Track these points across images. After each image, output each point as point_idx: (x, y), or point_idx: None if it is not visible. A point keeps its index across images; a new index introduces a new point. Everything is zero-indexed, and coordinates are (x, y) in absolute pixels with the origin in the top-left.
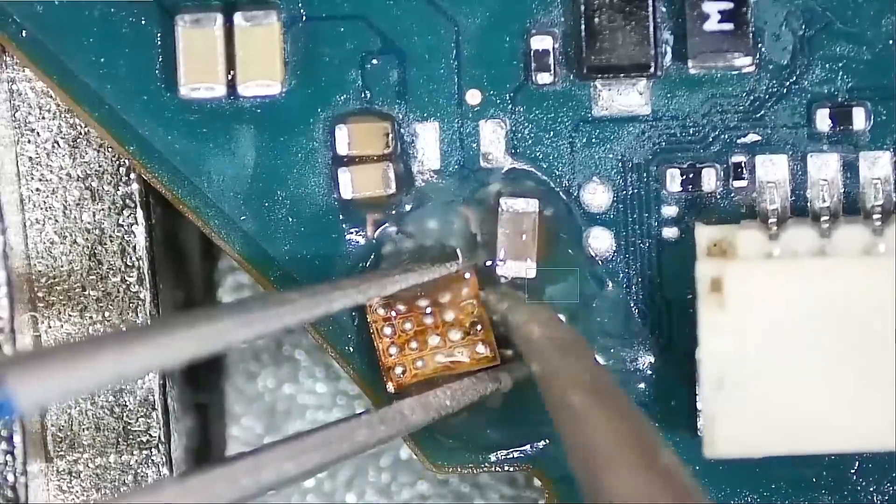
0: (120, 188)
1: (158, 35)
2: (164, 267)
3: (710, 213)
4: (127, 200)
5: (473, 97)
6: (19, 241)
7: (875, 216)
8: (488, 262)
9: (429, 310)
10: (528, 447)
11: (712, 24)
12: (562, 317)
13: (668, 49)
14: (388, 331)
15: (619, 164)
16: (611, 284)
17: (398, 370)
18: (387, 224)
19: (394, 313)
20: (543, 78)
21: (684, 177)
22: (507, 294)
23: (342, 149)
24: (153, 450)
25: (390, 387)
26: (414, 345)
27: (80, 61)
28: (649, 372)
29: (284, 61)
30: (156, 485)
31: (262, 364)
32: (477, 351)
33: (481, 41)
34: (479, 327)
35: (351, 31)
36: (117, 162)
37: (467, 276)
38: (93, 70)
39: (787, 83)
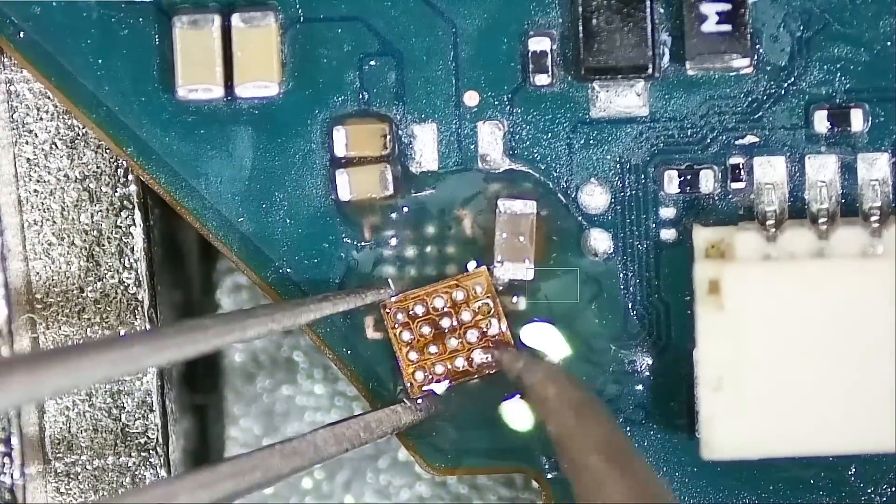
0: (118, 189)
1: (156, 36)
2: (162, 268)
3: (708, 214)
4: (125, 202)
5: (471, 98)
6: (17, 243)
7: (873, 218)
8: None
9: (445, 310)
10: (526, 449)
11: (710, 26)
12: (578, 382)
13: (666, 50)
14: (406, 336)
15: (617, 166)
16: (609, 286)
17: (418, 375)
18: (384, 226)
19: (411, 316)
20: (541, 79)
21: (682, 178)
22: (521, 354)
23: (340, 150)
24: (151, 451)
25: (413, 392)
26: (433, 348)
27: (78, 62)
28: (647, 373)
29: (282, 63)
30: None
31: (260, 366)
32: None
33: (479, 43)
34: (495, 325)
35: (348, 32)
36: (115, 163)
37: (479, 270)
38: (90, 71)
39: (785, 85)
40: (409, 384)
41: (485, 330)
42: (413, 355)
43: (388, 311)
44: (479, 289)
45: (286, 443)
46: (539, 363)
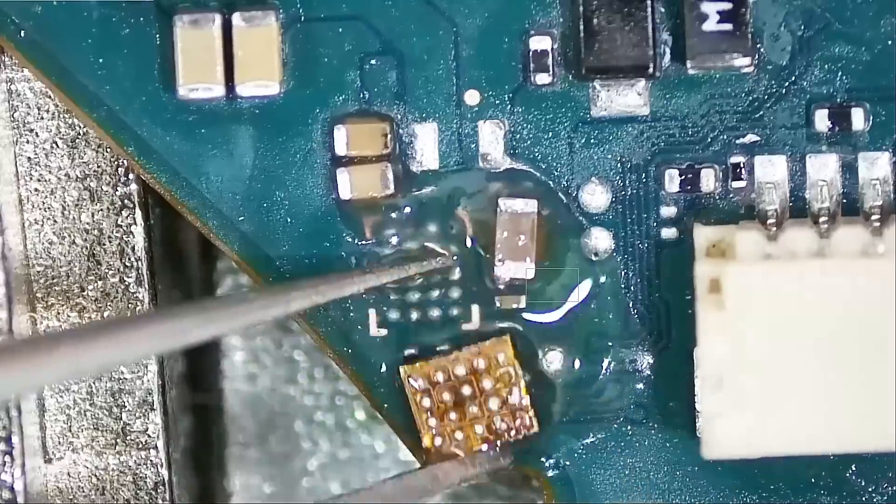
0: (119, 189)
1: (157, 36)
2: (163, 267)
3: (709, 213)
4: (126, 201)
5: (472, 98)
6: (18, 242)
7: (874, 217)
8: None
9: (466, 378)
10: (526, 447)
11: (711, 25)
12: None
13: (667, 50)
14: (426, 402)
15: (618, 165)
16: (610, 285)
17: (437, 441)
18: (385, 225)
19: (432, 383)
20: (542, 78)
21: (683, 177)
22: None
23: (341, 149)
24: (152, 450)
25: (430, 459)
26: (453, 415)
27: (79, 62)
28: (648, 372)
29: (283, 62)
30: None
31: (261, 364)
32: (514, 420)
33: (480, 42)
34: (516, 394)
35: (349, 31)
36: (116, 162)
37: (502, 339)
38: (91, 70)
39: (786, 84)
40: (427, 449)
41: (506, 398)
42: (432, 422)
43: (409, 377)
44: (501, 357)
45: (353, 494)
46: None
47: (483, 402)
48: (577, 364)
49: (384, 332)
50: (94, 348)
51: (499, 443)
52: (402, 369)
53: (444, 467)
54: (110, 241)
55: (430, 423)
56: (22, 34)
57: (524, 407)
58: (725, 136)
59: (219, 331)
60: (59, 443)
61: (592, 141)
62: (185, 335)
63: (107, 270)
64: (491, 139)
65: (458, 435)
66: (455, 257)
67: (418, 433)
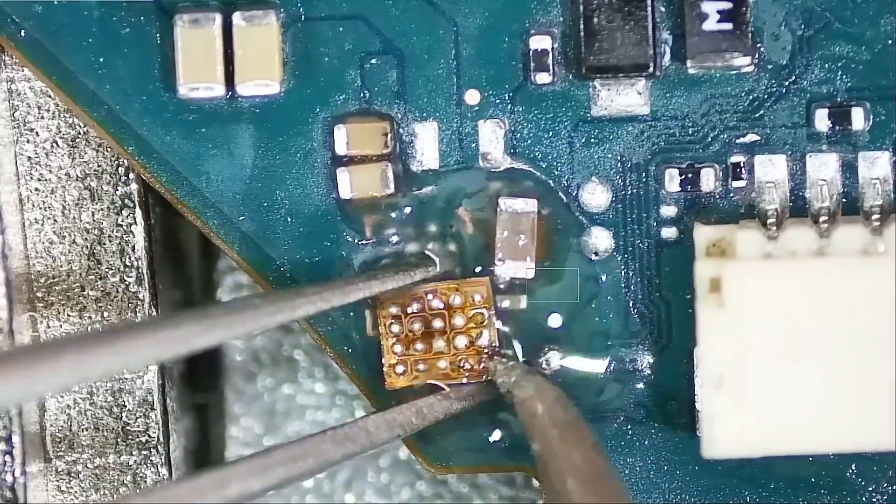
0: (119, 188)
1: (157, 35)
2: (163, 267)
3: (709, 213)
4: (126, 200)
5: (472, 97)
6: (18, 241)
7: (874, 216)
8: (478, 268)
9: (440, 311)
10: (527, 448)
11: (711, 24)
12: (565, 399)
13: (667, 49)
14: (395, 328)
15: (618, 164)
16: (610, 284)
17: (399, 368)
18: (385, 224)
19: (405, 311)
20: (542, 78)
21: (683, 177)
22: (514, 367)
23: (341, 149)
24: (152, 450)
25: (387, 384)
26: (419, 346)
27: (79, 61)
28: (648, 372)
29: (283, 61)
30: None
31: (261, 364)
32: (475, 365)
33: (480, 41)
34: (485, 336)
35: (350, 31)
36: (116, 162)
37: (481, 279)
38: (91, 70)
39: (787, 83)
40: (387, 376)
41: (474, 339)
42: (398, 348)
43: (382, 302)
44: (477, 297)
45: (338, 429)
46: (531, 378)
47: (451, 337)
48: (577, 364)
49: (376, 333)
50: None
51: (462, 381)
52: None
53: (428, 401)
54: (110, 241)
55: (394, 349)
56: (22, 33)
57: (492, 350)
58: (726, 136)
59: (221, 338)
60: (60, 442)
61: (593, 140)
62: (187, 343)
63: (107, 270)
64: (491, 138)
65: (420, 366)
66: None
67: (381, 364)
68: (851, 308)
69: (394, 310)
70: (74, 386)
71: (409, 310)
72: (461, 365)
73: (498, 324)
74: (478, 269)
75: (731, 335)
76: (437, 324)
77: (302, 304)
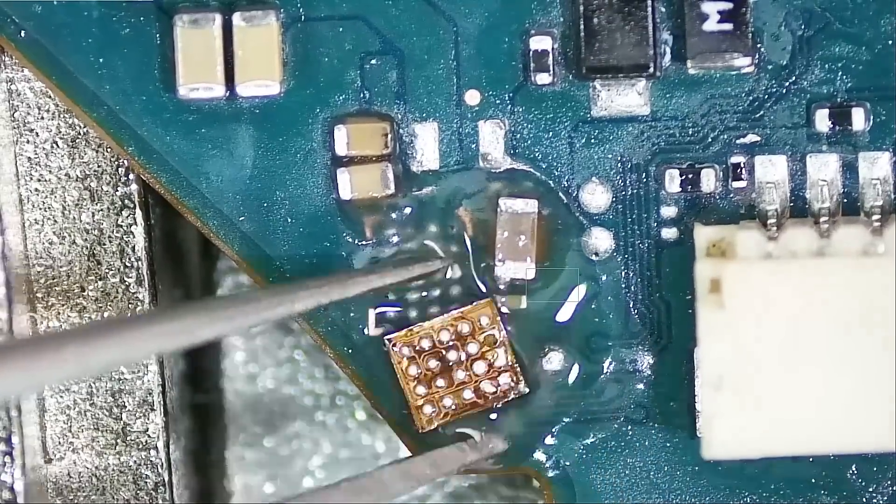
0: (119, 188)
1: (157, 35)
2: (163, 267)
3: (710, 213)
4: (126, 201)
5: (472, 97)
6: (18, 242)
7: (874, 216)
8: (482, 264)
9: (451, 343)
10: (527, 448)
11: (711, 25)
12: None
13: (668, 49)
14: (413, 370)
15: (619, 165)
16: (610, 285)
17: (427, 409)
18: (385, 225)
19: (418, 351)
20: (542, 78)
21: (683, 177)
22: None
23: (341, 149)
24: (152, 450)
25: (421, 426)
26: (441, 382)
27: (79, 62)
28: (648, 372)
29: (283, 61)
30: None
31: (261, 364)
32: (501, 381)
33: (480, 41)
34: (502, 356)
35: (350, 31)
36: (116, 162)
37: (483, 302)
38: (91, 70)
39: (787, 83)
40: (417, 419)
41: (491, 361)
42: (421, 389)
43: (394, 345)
44: (484, 320)
45: (353, 480)
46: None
47: (469, 365)
48: (577, 364)
49: (379, 331)
50: (98, 348)
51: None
52: (386, 339)
53: (443, 452)
54: (110, 241)
55: (417, 391)
56: (22, 34)
57: (511, 367)
58: (726, 136)
59: (223, 331)
60: (60, 443)
61: (593, 141)
62: (190, 335)
63: (107, 270)
64: (491, 139)
65: (447, 401)
66: (452, 260)
67: (407, 406)
68: (851, 308)
69: (406, 351)
70: (77, 377)
71: (421, 347)
72: (485, 392)
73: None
74: (482, 288)
75: (731, 336)
76: (453, 355)
77: (303, 297)
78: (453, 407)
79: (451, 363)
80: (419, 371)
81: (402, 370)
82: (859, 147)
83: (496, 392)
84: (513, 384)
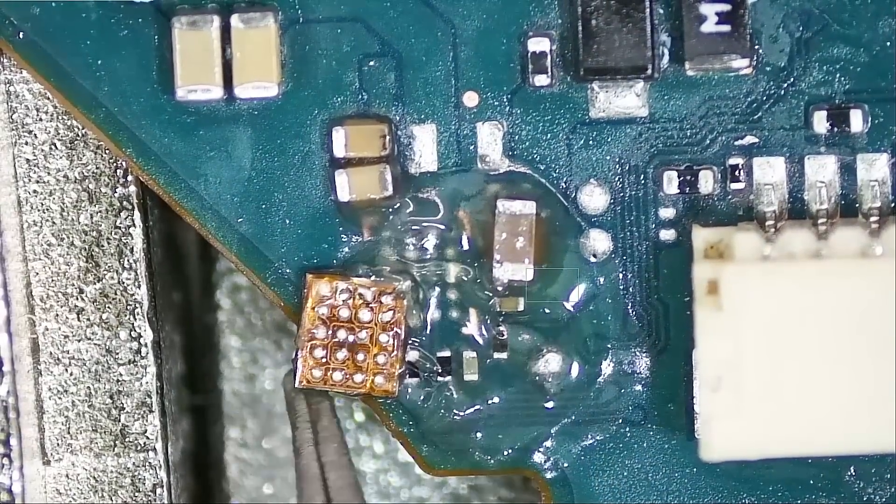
0: (117, 190)
1: (155, 37)
2: (162, 269)
3: (707, 215)
4: (124, 202)
5: (470, 99)
6: (16, 244)
7: (872, 218)
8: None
9: (369, 324)
10: (525, 450)
11: (709, 26)
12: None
13: (666, 51)
14: (321, 333)
15: (617, 166)
16: (608, 286)
17: (316, 373)
18: (383, 226)
19: (334, 318)
20: (540, 80)
21: (681, 179)
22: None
23: (339, 151)
24: (150, 452)
25: (302, 382)
26: (340, 355)
27: (77, 63)
28: (646, 374)
29: (281, 63)
30: None
31: (260, 366)
32: (378, 381)
33: (478, 43)
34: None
35: (348, 33)
36: (115, 164)
37: (402, 288)
38: (90, 72)
39: (785, 85)
40: (301, 376)
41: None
42: (318, 353)
43: (313, 289)
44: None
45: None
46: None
47: (370, 353)
48: (575, 366)
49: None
50: None
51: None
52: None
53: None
54: (109, 243)
55: (315, 353)
56: (20, 35)
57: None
58: (724, 138)
59: None
60: (58, 445)
61: (591, 142)
62: None
63: (105, 272)
64: (489, 140)
65: (336, 375)
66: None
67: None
68: (850, 310)
69: (324, 310)
70: None
71: (340, 317)
72: (375, 385)
73: (503, 328)
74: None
75: (729, 337)
76: (363, 335)
77: None
78: (340, 382)
79: (359, 343)
80: (326, 335)
81: (309, 320)
82: (857, 149)
83: (375, 387)
84: (386, 388)
